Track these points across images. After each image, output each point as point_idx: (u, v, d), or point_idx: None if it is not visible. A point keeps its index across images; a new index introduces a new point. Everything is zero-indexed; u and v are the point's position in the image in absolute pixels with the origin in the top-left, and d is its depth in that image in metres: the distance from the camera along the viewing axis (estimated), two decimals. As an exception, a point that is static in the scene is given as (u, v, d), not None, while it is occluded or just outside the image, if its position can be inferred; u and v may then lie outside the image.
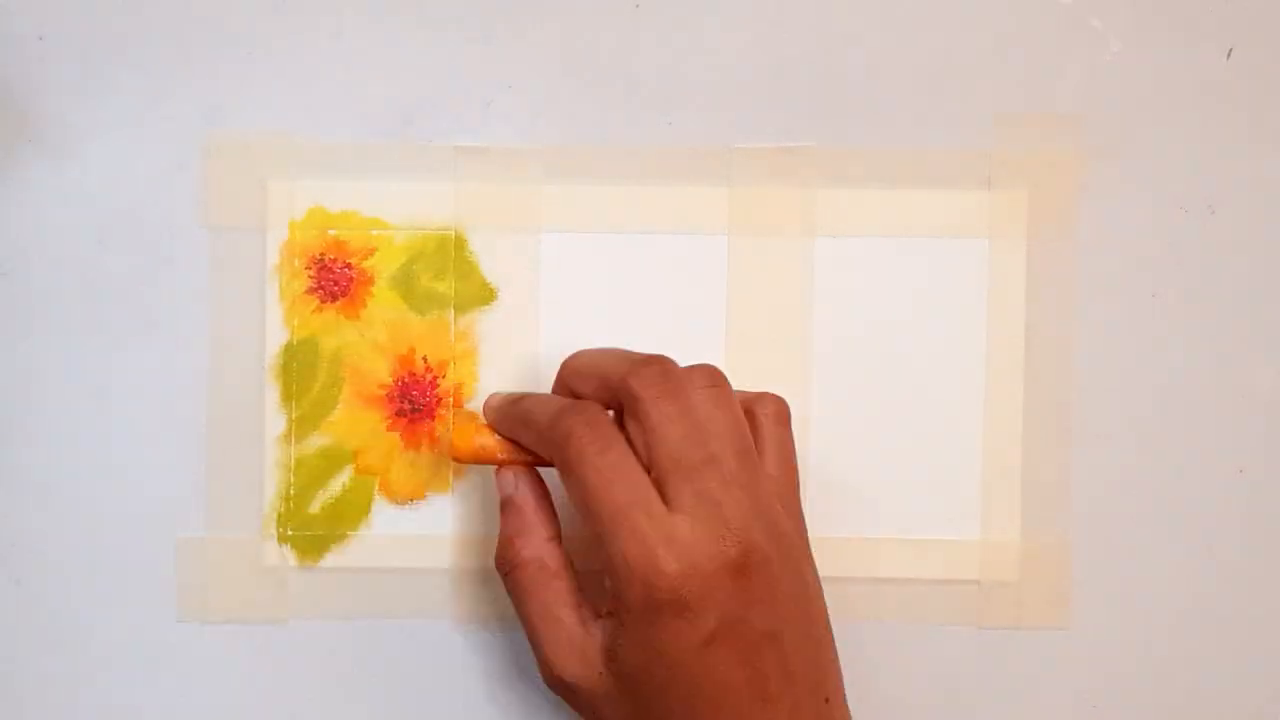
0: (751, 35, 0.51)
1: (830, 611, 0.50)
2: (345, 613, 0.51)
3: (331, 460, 0.51)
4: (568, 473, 0.44)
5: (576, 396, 0.46)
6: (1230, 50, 0.51)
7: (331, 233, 0.51)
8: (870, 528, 0.51)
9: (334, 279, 0.51)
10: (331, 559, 0.51)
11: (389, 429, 0.51)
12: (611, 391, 0.45)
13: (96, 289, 0.50)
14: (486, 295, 0.51)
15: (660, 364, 0.45)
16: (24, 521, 0.50)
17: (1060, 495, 0.51)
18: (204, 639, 0.51)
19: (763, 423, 0.46)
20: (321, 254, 0.51)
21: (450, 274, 0.51)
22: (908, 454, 0.51)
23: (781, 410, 0.47)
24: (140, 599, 0.50)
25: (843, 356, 0.51)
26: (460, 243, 0.51)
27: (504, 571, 0.46)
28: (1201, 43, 0.51)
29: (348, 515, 0.51)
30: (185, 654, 0.50)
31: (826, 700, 0.44)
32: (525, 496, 0.47)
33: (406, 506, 0.51)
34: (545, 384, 0.50)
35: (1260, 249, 0.51)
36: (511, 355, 0.51)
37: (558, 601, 0.45)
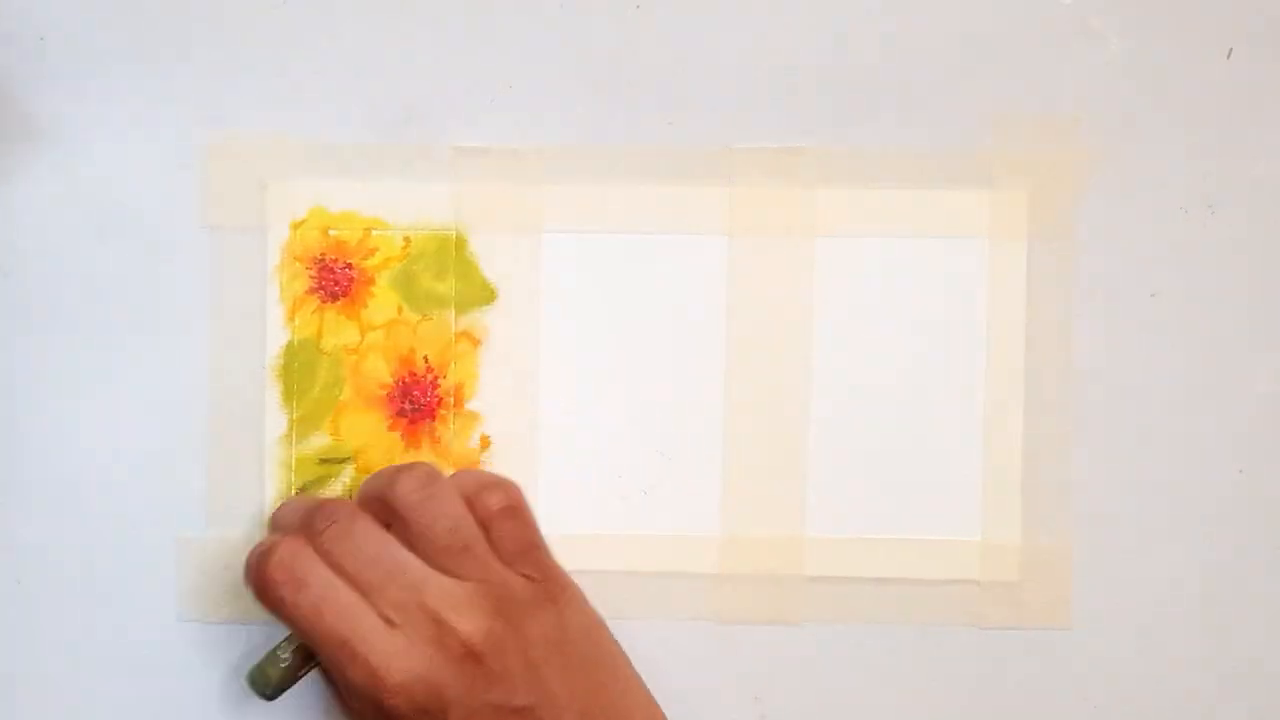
0: (751, 35, 0.51)
1: (831, 611, 0.50)
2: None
3: (332, 460, 0.51)
4: (279, 619, 0.45)
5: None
6: (1230, 50, 0.51)
7: (332, 233, 0.51)
8: (870, 528, 0.51)
9: (334, 279, 0.51)
10: (331, 559, 0.51)
11: (390, 429, 0.51)
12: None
13: (96, 289, 0.50)
14: (487, 295, 0.51)
15: (325, 508, 0.46)
16: (24, 521, 0.50)
17: (1060, 495, 0.51)
18: (204, 639, 0.51)
19: (489, 520, 0.46)
20: (322, 254, 0.51)
21: (451, 274, 0.51)
22: (908, 454, 0.51)
23: (512, 502, 0.47)
24: (140, 599, 0.50)
25: (843, 356, 0.51)
26: (460, 243, 0.51)
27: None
28: (1201, 43, 0.51)
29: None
30: (185, 654, 0.50)
31: None
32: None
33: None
34: (546, 384, 0.50)
35: (1260, 249, 0.51)
36: (512, 355, 0.51)
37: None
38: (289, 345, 0.51)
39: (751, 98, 0.51)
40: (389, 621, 0.44)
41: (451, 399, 0.51)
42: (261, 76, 0.51)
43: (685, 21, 0.51)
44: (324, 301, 0.51)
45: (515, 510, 0.47)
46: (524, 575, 0.46)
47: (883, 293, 0.51)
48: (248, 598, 0.50)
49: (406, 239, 0.51)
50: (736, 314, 0.51)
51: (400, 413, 0.51)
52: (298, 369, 0.51)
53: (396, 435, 0.51)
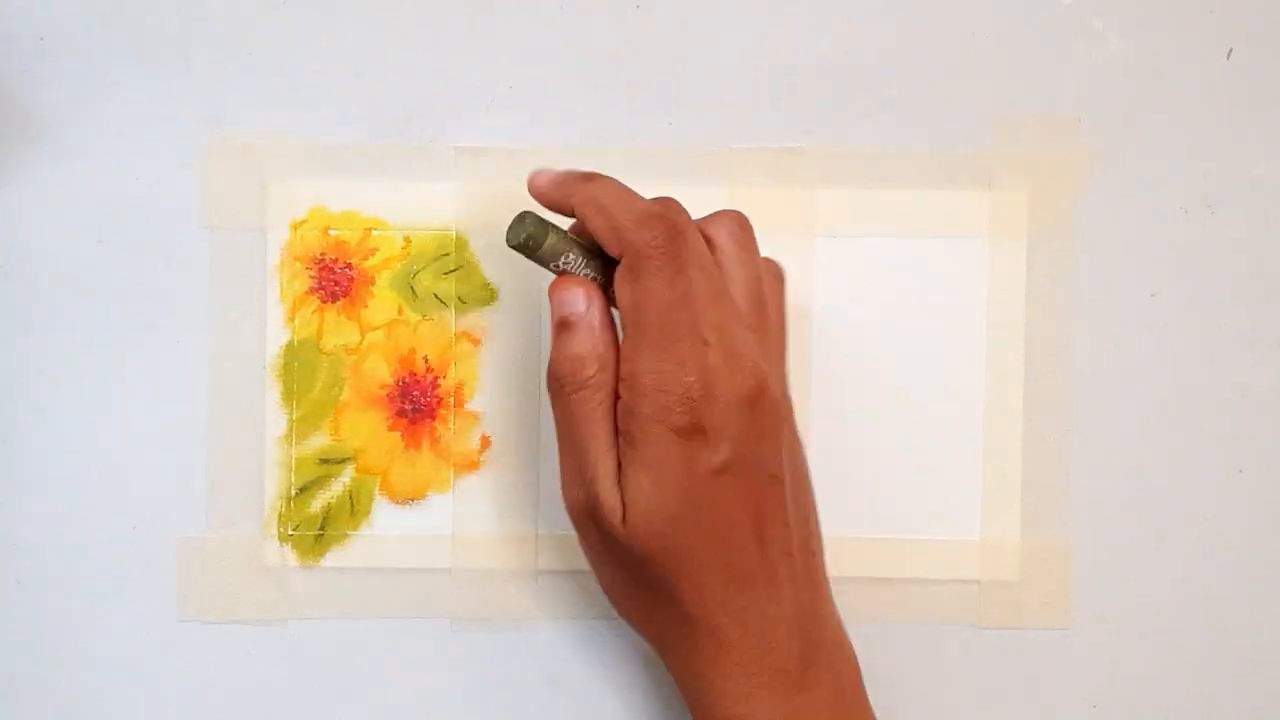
0: (751, 35, 0.51)
1: (831, 611, 0.50)
2: (345, 613, 0.51)
3: (332, 460, 0.51)
4: (635, 279, 0.44)
5: (585, 225, 0.46)
6: (1230, 50, 0.51)
7: (332, 233, 0.51)
8: (870, 528, 0.51)
9: (335, 279, 0.51)
10: (331, 559, 0.51)
11: (390, 429, 0.51)
12: (619, 242, 0.45)
13: (96, 289, 0.50)
14: (487, 295, 0.51)
15: (668, 222, 0.44)
16: (24, 521, 0.50)
17: (1060, 495, 0.51)
18: (204, 639, 0.51)
19: (769, 282, 0.47)
20: (322, 254, 0.51)
21: (451, 274, 0.51)
22: (908, 454, 0.51)
23: (779, 272, 0.48)
24: (140, 599, 0.50)
25: (843, 356, 0.51)
26: (461, 243, 0.51)
27: (568, 390, 0.45)
28: (1201, 43, 0.51)
29: (348, 515, 0.51)
30: (185, 654, 0.50)
31: (814, 554, 0.46)
32: (597, 319, 0.45)
33: (407, 506, 0.51)
34: (544, 384, 0.50)
35: (1260, 249, 0.51)
36: (512, 355, 0.51)
37: (611, 432, 0.45)
38: (289, 345, 0.51)
39: (751, 98, 0.51)
40: (706, 342, 0.44)
41: (451, 399, 0.51)
42: (261, 76, 0.51)
43: (685, 21, 0.51)
44: (324, 301, 0.51)
45: (782, 278, 0.48)
46: (783, 363, 0.47)
47: (883, 293, 0.51)
48: (248, 598, 0.50)
49: (406, 239, 0.51)
50: (736, 314, 0.51)
51: (400, 413, 0.51)
52: (298, 369, 0.51)
53: (396, 435, 0.51)
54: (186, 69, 0.51)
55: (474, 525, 0.51)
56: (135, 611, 0.50)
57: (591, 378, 0.45)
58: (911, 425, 0.51)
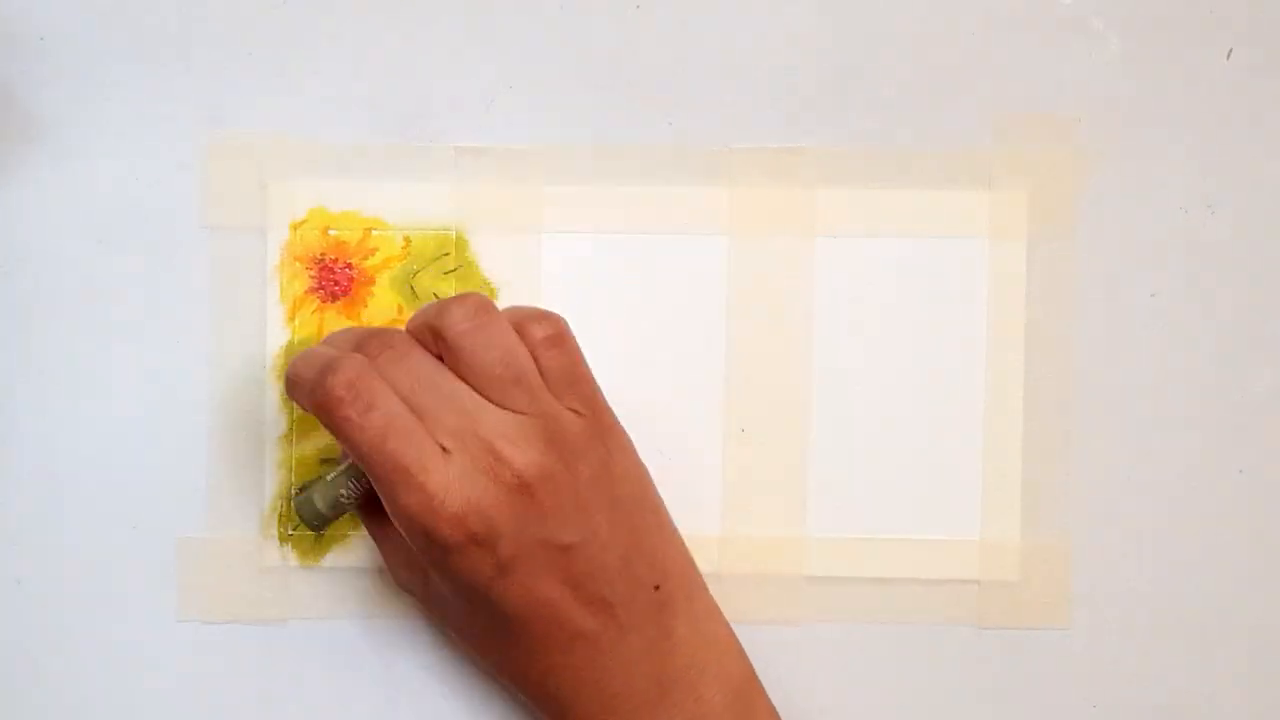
0: (751, 35, 0.51)
1: (831, 611, 0.50)
2: (345, 613, 0.51)
3: (332, 460, 0.51)
4: (338, 436, 0.44)
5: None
6: (1230, 50, 0.51)
7: (332, 233, 0.51)
8: (870, 528, 0.51)
9: (335, 279, 0.51)
10: (331, 559, 0.51)
11: (389, 429, 0.51)
12: (315, 409, 0.45)
13: (96, 289, 0.50)
14: (487, 295, 0.51)
15: (379, 336, 0.45)
16: (24, 522, 0.50)
17: (1060, 495, 0.51)
18: (204, 639, 0.51)
19: (536, 349, 0.46)
20: (322, 254, 0.51)
21: (451, 274, 0.51)
22: (908, 454, 0.51)
23: (556, 332, 0.46)
24: (140, 599, 0.50)
25: (843, 357, 0.51)
26: (461, 243, 0.51)
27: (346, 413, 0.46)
28: (1201, 43, 0.51)
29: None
30: (185, 654, 0.50)
31: (656, 588, 0.46)
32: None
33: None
34: (545, 384, 0.50)
35: (1260, 249, 0.51)
36: (512, 355, 0.51)
37: (384, 517, 0.46)
38: (289, 345, 0.51)
39: (751, 98, 0.51)
40: (444, 450, 0.43)
41: (451, 399, 0.51)
42: (261, 76, 0.51)
43: (685, 21, 0.51)
44: (324, 301, 0.51)
45: (560, 338, 0.46)
46: (573, 410, 0.45)
47: (883, 293, 0.51)
48: (248, 598, 0.50)
49: (406, 239, 0.51)
50: (736, 314, 0.51)
51: (400, 413, 0.51)
52: (298, 369, 0.51)
53: (396, 435, 0.51)
54: (186, 69, 0.51)
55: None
56: (135, 611, 0.50)
57: (358, 371, 0.45)
58: (911, 425, 0.51)
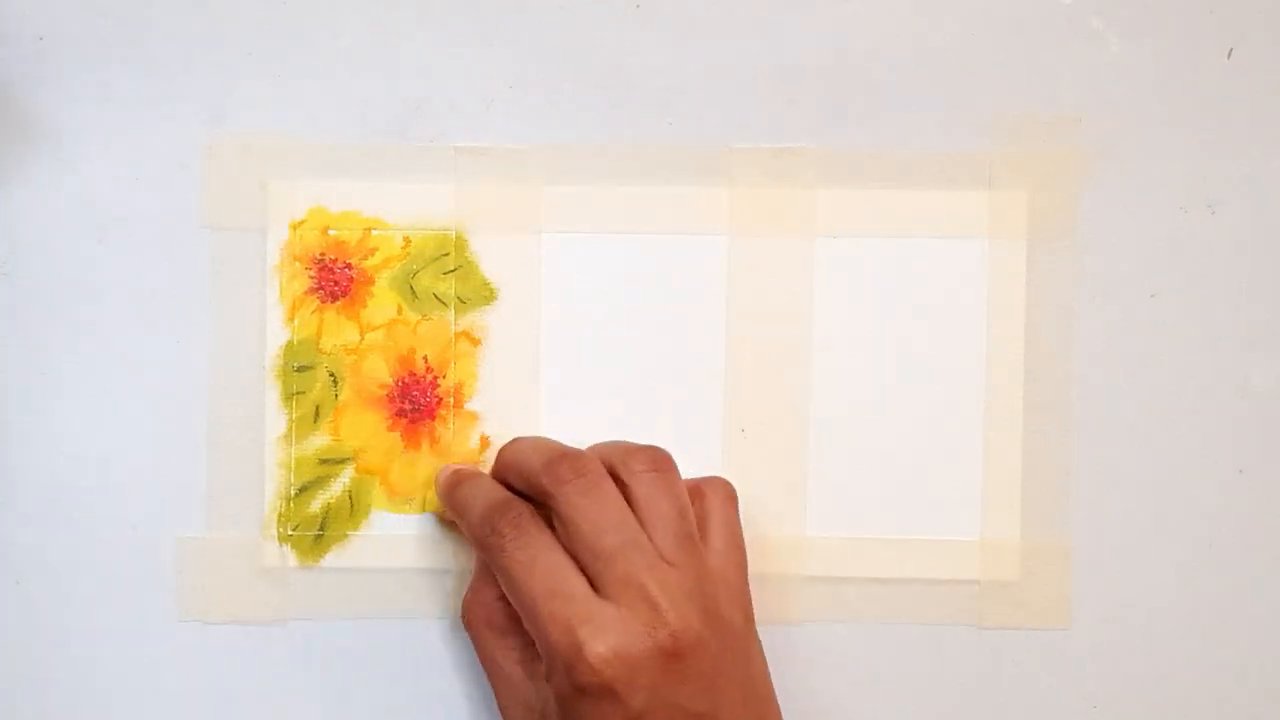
0: (751, 35, 0.51)
1: (831, 611, 0.50)
2: (345, 613, 0.51)
3: (332, 460, 0.51)
4: (495, 567, 0.45)
5: (511, 489, 0.47)
6: (1230, 50, 0.51)
7: (332, 233, 0.51)
8: (870, 528, 0.51)
9: (334, 279, 0.51)
10: (331, 559, 0.51)
11: (389, 429, 0.51)
12: (532, 489, 0.46)
13: (96, 289, 0.50)
14: (487, 295, 0.51)
15: (573, 459, 0.45)
16: (24, 521, 0.50)
17: (1060, 495, 0.51)
18: (204, 639, 0.51)
19: (711, 504, 0.47)
20: (322, 254, 0.51)
21: (451, 274, 0.51)
22: (908, 454, 0.51)
23: (730, 493, 0.48)
24: (140, 599, 0.50)
25: (842, 357, 0.51)
26: (461, 243, 0.51)
27: (465, 626, 0.48)
28: (1201, 43, 0.51)
29: (348, 515, 0.51)
30: (185, 654, 0.50)
31: None
32: (479, 559, 0.48)
33: (407, 506, 0.51)
34: (546, 384, 0.50)
35: (1260, 249, 0.51)
36: (512, 355, 0.51)
37: (507, 658, 0.47)
38: (289, 345, 0.51)
39: (751, 98, 0.51)
40: (602, 595, 0.43)
41: (451, 399, 0.51)
42: (261, 76, 0.51)
43: (685, 21, 0.51)
44: (324, 301, 0.51)
45: (732, 499, 0.47)
46: (727, 587, 0.45)
47: (883, 293, 0.51)
48: (248, 598, 0.50)
49: (406, 239, 0.51)
50: (736, 314, 0.51)
51: (400, 413, 0.51)
52: (297, 369, 0.51)
53: (396, 435, 0.51)
54: (186, 69, 0.51)
55: (474, 525, 0.51)
56: (135, 611, 0.50)
57: (472, 614, 0.47)
58: (911, 425, 0.51)
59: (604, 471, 0.46)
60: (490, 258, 0.51)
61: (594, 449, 0.47)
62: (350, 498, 0.51)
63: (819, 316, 0.51)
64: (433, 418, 0.51)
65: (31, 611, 0.50)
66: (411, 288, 0.51)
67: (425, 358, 0.51)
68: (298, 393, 0.51)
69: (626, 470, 0.46)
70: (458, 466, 0.49)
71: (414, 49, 0.51)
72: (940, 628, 0.51)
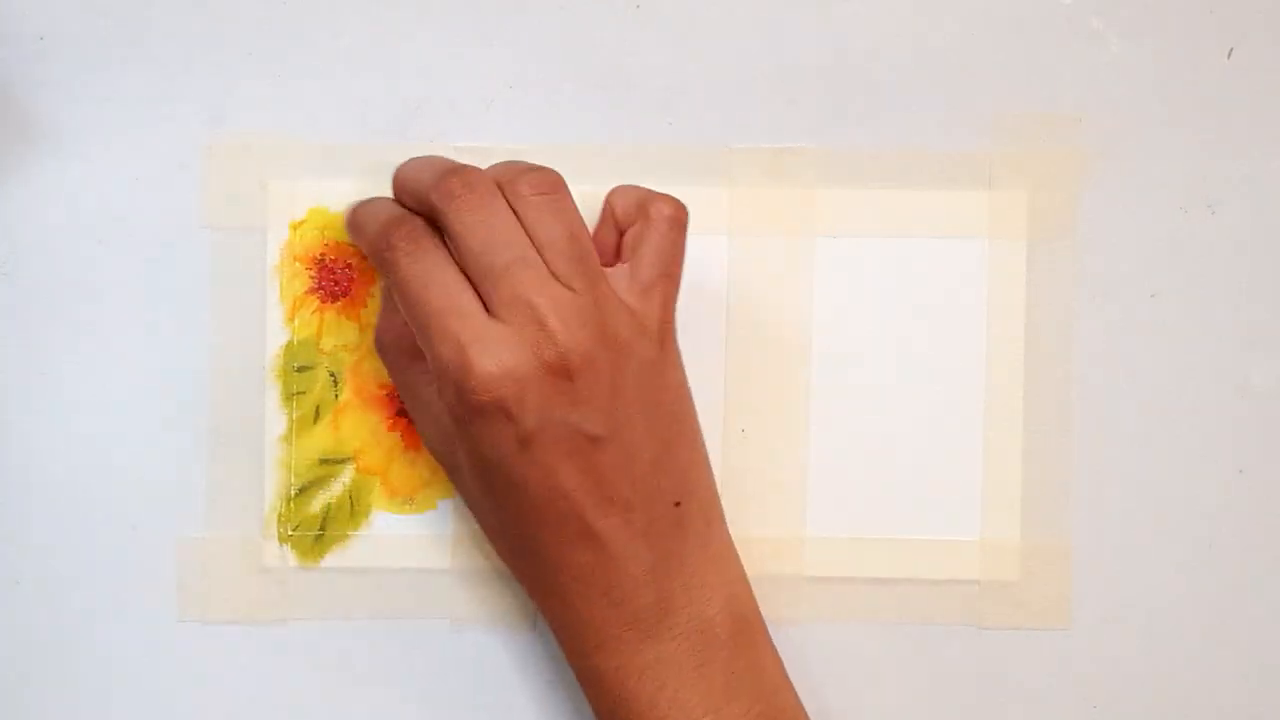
0: (751, 35, 0.51)
1: (831, 611, 0.50)
2: (345, 613, 0.51)
3: (332, 460, 0.51)
4: (389, 279, 0.45)
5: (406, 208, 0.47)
6: (1230, 50, 0.51)
7: (332, 233, 0.51)
8: (870, 528, 0.51)
9: (334, 279, 0.51)
10: (331, 559, 0.51)
11: (389, 429, 0.51)
12: (423, 206, 0.46)
13: (96, 289, 0.50)
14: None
15: (464, 174, 0.45)
16: (24, 521, 0.50)
17: (1060, 495, 0.51)
18: (204, 639, 0.51)
19: (649, 227, 0.46)
20: (322, 254, 0.51)
21: (450, 274, 0.51)
22: (908, 454, 0.51)
23: (673, 214, 0.46)
24: (140, 599, 0.50)
25: (843, 356, 0.51)
26: (460, 243, 0.51)
27: (378, 351, 0.49)
28: (1201, 43, 0.51)
29: (348, 515, 0.51)
30: (185, 654, 0.50)
31: (677, 504, 0.45)
32: (388, 288, 0.47)
33: (407, 506, 0.51)
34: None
35: (1260, 249, 0.51)
36: (512, 355, 0.51)
37: (419, 380, 0.47)
38: (289, 345, 0.51)
39: (751, 98, 0.51)
40: (492, 314, 0.43)
41: (451, 399, 0.51)
42: (261, 76, 0.51)
43: (685, 21, 0.51)
44: (324, 301, 0.51)
45: (678, 221, 0.46)
46: (639, 309, 0.45)
47: (883, 293, 0.51)
48: (248, 598, 0.50)
49: (406, 239, 0.51)
50: (736, 314, 0.51)
51: (400, 413, 0.51)
52: (298, 369, 0.51)
53: (396, 435, 0.51)
54: (186, 69, 0.51)
55: (474, 525, 0.51)
56: (135, 611, 0.50)
57: (383, 339, 0.47)
58: (911, 425, 0.51)
59: (495, 189, 0.45)
60: (490, 258, 0.51)
61: (490, 168, 0.46)
62: (350, 498, 0.51)
63: (819, 316, 0.51)
64: (433, 418, 0.51)
65: (31, 611, 0.50)
66: (411, 288, 0.51)
67: (425, 358, 0.51)
68: (298, 393, 0.51)
69: (513, 193, 0.45)
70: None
71: (414, 49, 0.51)
72: (940, 628, 0.51)
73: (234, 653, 0.51)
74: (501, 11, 0.51)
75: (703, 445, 0.47)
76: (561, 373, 0.43)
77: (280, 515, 0.51)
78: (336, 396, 0.51)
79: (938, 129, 0.51)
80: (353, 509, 0.51)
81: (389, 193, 0.50)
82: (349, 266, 0.51)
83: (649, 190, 0.47)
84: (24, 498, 0.50)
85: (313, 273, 0.51)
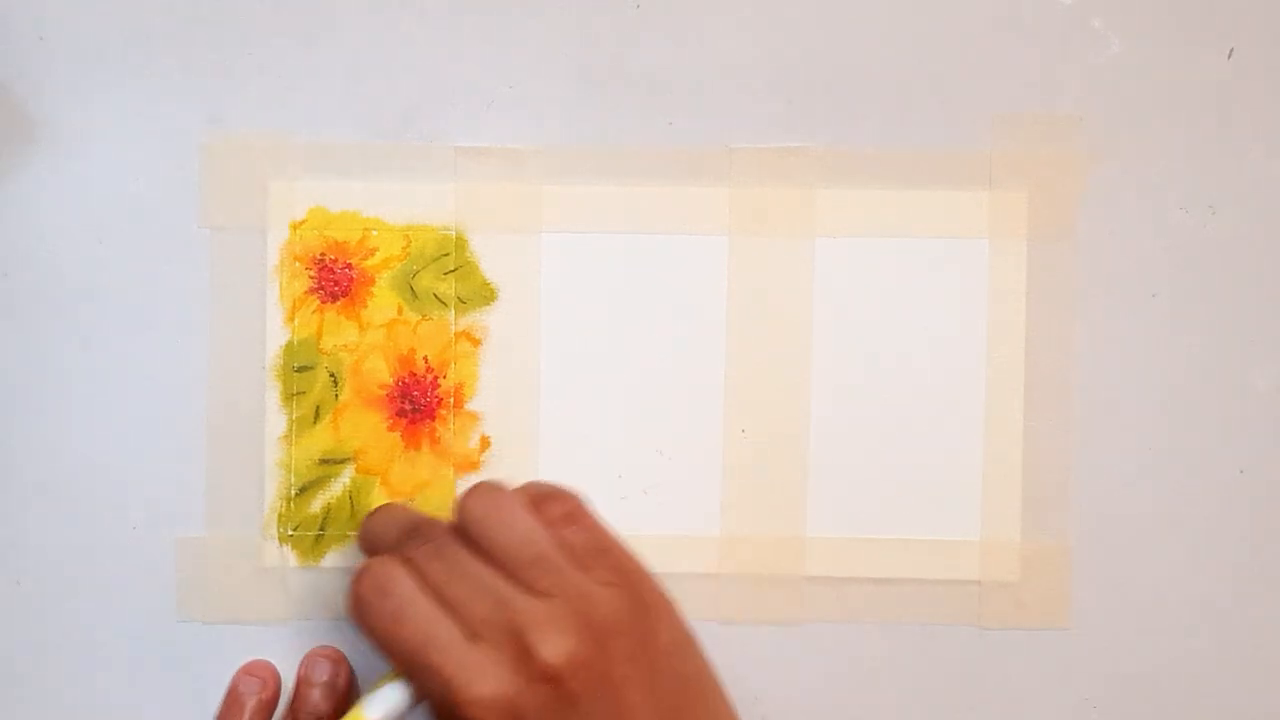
0: (751, 35, 0.51)
1: (831, 611, 0.50)
2: (345, 613, 0.51)
3: (332, 460, 0.51)
4: (366, 634, 0.44)
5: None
6: (1230, 50, 0.51)
7: (332, 233, 0.51)
8: (870, 528, 0.51)
9: (334, 279, 0.51)
10: (331, 559, 0.51)
11: (389, 429, 0.51)
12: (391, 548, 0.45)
13: (96, 289, 0.50)
14: (487, 295, 0.51)
15: (422, 529, 0.45)
16: (24, 521, 0.50)
17: (1060, 495, 0.51)
18: (204, 639, 0.51)
19: (556, 528, 0.45)
20: (322, 254, 0.51)
21: (451, 274, 0.51)
22: (908, 454, 0.51)
23: (573, 509, 0.45)
24: (140, 599, 0.50)
25: (843, 356, 0.51)
26: (461, 243, 0.51)
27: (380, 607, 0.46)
28: (1201, 43, 0.51)
29: (348, 516, 0.51)
30: (185, 654, 0.50)
31: None
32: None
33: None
34: (546, 384, 0.50)
35: (1260, 249, 0.51)
36: (512, 355, 0.51)
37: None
38: (289, 345, 0.51)
39: (751, 98, 0.51)
40: (473, 637, 0.43)
41: (451, 399, 0.51)
42: (261, 76, 0.51)
43: (685, 21, 0.51)
44: (324, 301, 0.51)
45: (576, 514, 0.45)
46: (606, 583, 0.44)
47: (883, 293, 0.51)
48: (248, 598, 0.50)
49: (406, 239, 0.51)
50: (736, 314, 0.51)
51: (400, 413, 0.51)
52: (298, 369, 0.51)
53: (396, 435, 0.51)
54: (186, 69, 0.51)
55: (474, 525, 0.51)
56: (135, 611, 0.50)
57: (380, 576, 0.44)
58: (911, 425, 0.51)
59: (448, 531, 0.44)
60: (490, 258, 0.51)
61: (451, 517, 0.46)
62: (350, 498, 0.51)
63: (819, 316, 0.51)
64: (433, 418, 0.51)
65: (31, 611, 0.50)
66: (411, 288, 0.51)
67: (425, 358, 0.51)
68: (298, 393, 0.51)
69: (462, 516, 0.44)
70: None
71: (414, 49, 0.51)
72: (940, 628, 0.51)
73: (234, 653, 0.51)
74: (501, 11, 0.51)
75: (715, 684, 0.45)
76: (553, 681, 0.42)
77: (280, 515, 0.51)
78: (336, 396, 0.51)
79: (938, 129, 0.51)
80: (353, 509, 0.51)
81: (389, 191, 0.50)
82: (349, 266, 0.51)
83: (537, 488, 0.46)
84: (24, 498, 0.50)
85: (313, 273, 0.51)
